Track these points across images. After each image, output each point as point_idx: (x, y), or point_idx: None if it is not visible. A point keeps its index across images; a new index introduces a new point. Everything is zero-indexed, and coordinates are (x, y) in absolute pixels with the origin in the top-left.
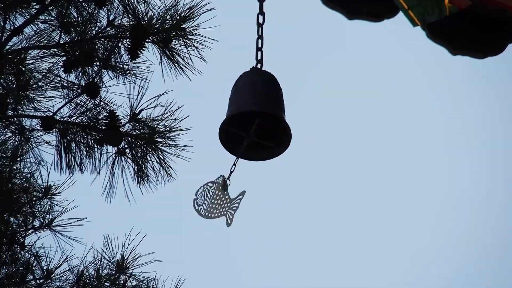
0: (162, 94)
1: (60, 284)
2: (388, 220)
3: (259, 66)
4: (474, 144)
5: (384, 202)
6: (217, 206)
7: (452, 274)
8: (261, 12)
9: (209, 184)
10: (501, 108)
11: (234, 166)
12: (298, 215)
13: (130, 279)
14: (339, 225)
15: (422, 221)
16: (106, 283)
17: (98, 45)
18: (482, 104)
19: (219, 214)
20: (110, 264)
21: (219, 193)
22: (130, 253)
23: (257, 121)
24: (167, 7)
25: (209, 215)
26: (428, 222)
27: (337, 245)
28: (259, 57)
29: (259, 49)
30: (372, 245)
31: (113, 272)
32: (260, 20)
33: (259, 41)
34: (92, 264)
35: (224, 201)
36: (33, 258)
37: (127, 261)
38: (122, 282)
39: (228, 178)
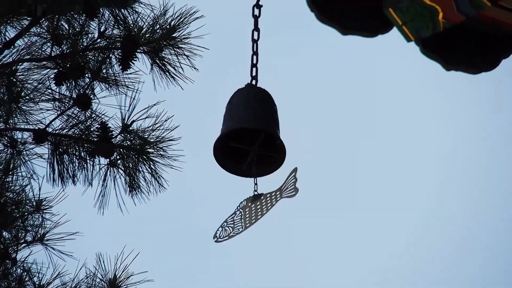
0: (154, 105)
1: None
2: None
3: (253, 82)
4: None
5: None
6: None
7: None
8: (256, 28)
9: (228, 220)
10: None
11: (256, 186)
12: (295, 209)
13: None
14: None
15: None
16: None
17: (90, 56)
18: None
19: (258, 217)
20: (102, 282)
21: (250, 205)
22: (122, 271)
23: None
24: (156, 16)
25: (242, 228)
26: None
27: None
28: (253, 74)
29: (254, 65)
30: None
31: None
32: (255, 37)
33: (254, 57)
34: (84, 281)
35: (265, 202)
36: (25, 273)
37: (120, 279)
38: None
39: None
